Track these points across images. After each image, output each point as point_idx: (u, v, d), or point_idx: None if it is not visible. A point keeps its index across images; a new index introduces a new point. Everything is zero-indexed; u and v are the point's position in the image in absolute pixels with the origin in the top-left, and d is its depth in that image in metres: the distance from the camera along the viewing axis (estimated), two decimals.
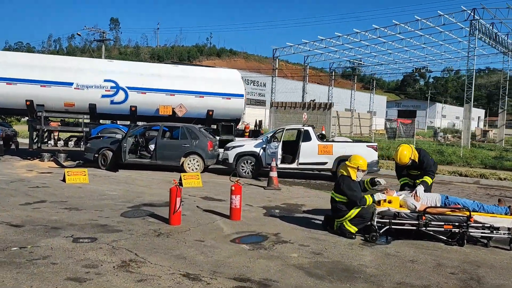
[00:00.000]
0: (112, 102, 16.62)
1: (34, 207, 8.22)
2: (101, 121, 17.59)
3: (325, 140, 14.57)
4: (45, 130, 16.15)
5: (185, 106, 17.09)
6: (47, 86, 15.98)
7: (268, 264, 5.49)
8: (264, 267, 5.37)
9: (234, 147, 14.37)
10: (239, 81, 18.34)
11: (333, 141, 14.56)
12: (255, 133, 18.35)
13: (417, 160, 7.65)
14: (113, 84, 16.50)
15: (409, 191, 7.31)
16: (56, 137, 16.64)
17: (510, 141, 45.05)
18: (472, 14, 35.22)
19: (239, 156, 14.17)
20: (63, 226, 6.91)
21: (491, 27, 38.32)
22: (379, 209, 6.77)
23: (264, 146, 14.04)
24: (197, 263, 5.40)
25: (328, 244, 6.52)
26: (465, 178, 16.16)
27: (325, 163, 13.86)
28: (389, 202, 6.88)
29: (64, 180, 11.48)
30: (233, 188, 7.82)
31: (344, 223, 6.91)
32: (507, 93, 47.67)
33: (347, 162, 7.32)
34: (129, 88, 16.63)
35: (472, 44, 36.01)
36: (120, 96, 16.58)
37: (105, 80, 16.48)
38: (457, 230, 6.62)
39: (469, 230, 6.57)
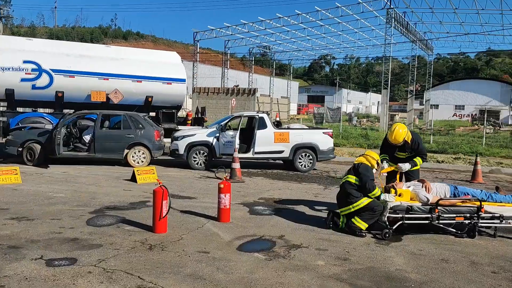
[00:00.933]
0: (34, 87, 14.45)
1: None
2: (20, 109, 15.28)
3: (281, 127, 13.93)
4: None
5: (121, 92, 15.44)
6: None
7: (301, 277, 4.70)
8: (300, 281, 4.58)
9: (184, 136, 13.19)
10: (180, 65, 17.03)
11: (289, 128, 13.98)
12: (197, 121, 17.22)
13: (409, 142, 7.31)
14: (35, 66, 14.33)
15: (418, 183, 6.91)
16: None
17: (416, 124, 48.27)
18: (389, 3, 36.74)
19: (191, 146, 13.04)
20: (23, 244, 5.47)
21: (403, 16, 40.45)
22: (391, 203, 6.28)
23: (218, 135, 13.06)
24: (223, 284, 4.44)
25: (344, 245, 5.89)
26: None
27: (281, 152, 13.26)
28: (399, 195, 6.42)
29: None
30: (221, 186, 6.85)
31: (353, 219, 6.32)
32: (415, 79, 50.95)
33: (366, 153, 6.75)
34: (54, 71, 14.56)
35: (389, 32, 37.68)
36: (44, 80, 14.47)
37: (24, 62, 14.25)
38: (467, 221, 6.36)
39: (480, 221, 6.34)
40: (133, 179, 10.52)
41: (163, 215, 6.13)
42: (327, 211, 7.18)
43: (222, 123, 13.22)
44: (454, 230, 6.44)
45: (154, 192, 6.14)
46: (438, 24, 44.07)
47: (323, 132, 13.72)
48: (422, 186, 6.66)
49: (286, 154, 13.27)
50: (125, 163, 13.03)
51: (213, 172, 12.46)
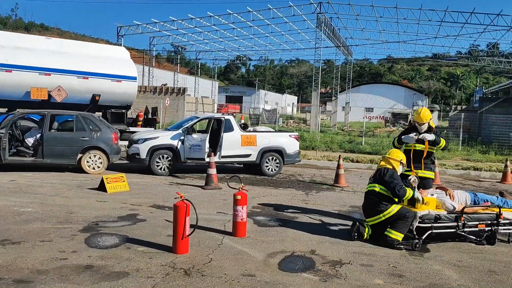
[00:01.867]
0: None
1: None
2: None
3: (247, 130, 13.46)
4: None
5: (64, 89, 13.92)
6: None
7: None
8: None
9: (145, 139, 12.18)
10: (130, 61, 15.84)
11: (255, 131, 13.55)
12: (148, 122, 16.13)
13: (433, 127, 7.32)
14: None
15: (441, 191, 6.87)
16: None
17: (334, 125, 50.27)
18: (318, 8, 37.81)
19: (154, 150, 12.09)
20: (31, 277, 4.48)
21: (330, 21, 41.90)
22: (420, 212, 6.17)
23: (183, 138, 12.26)
24: None
25: (383, 259, 5.63)
26: (358, 164, 17.03)
27: (249, 155, 12.81)
28: (425, 203, 6.34)
29: None
30: (238, 197, 6.27)
31: (387, 232, 6.10)
32: (334, 82, 53.07)
33: (387, 156, 6.53)
34: None
35: (318, 35, 38.77)
36: None
37: None
38: (487, 228, 6.47)
39: (499, 228, 6.48)
40: (102, 188, 9.43)
41: (186, 233, 5.42)
42: (352, 222, 6.89)
43: (187, 126, 12.42)
44: (475, 238, 6.52)
45: (176, 207, 5.41)
46: (360, 31, 46.36)
47: (289, 135, 13.50)
48: (446, 194, 6.65)
49: (253, 157, 12.85)
50: (76, 168, 11.76)
51: (177, 178, 11.70)
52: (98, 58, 14.82)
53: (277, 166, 13.03)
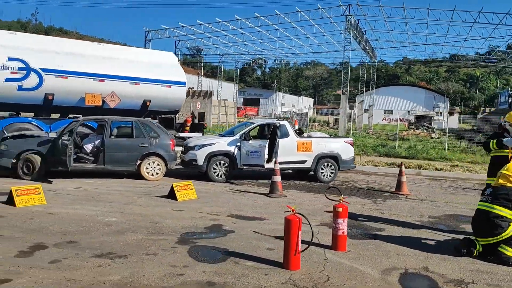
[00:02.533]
0: (20, 88, 12.59)
1: (54, 260, 5.19)
2: None
3: (302, 136, 13.28)
4: None
5: (117, 95, 13.94)
6: None
7: None
8: None
9: (202, 146, 12.10)
10: (178, 66, 15.84)
11: (310, 136, 13.37)
12: (196, 127, 16.06)
13: None
14: (22, 65, 12.49)
15: None
16: None
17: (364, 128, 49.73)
18: (347, 11, 37.49)
19: (211, 156, 12.00)
20: None
21: (357, 23, 41.52)
22: None
23: (239, 144, 12.14)
24: None
25: (507, 277, 5.38)
26: (407, 170, 16.68)
27: (304, 162, 12.63)
28: None
29: (10, 202, 7.96)
30: (339, 209, 6.08)
31: (502, 249, 5.84)
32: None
33: (506, 172, 6.19)
34: (44, 70, 12.80)
35: (347, 38, 38.46)
36: (32, 80, 12.67)
37: (10, 59, 12.37)
38: None
39: None
40: (171, 195, 9.34)
41: (300, 249, 5.26)
42: (462, 239, 6.60)
43: (243, 132, 12.29)
44: None
45: (288, 221, 5.25)
46: (387, 33, 45.84)
47: (344, 141, 13.28)
48: None
49: (308, 164, 12.67)
50: (132, 174, 11.76)
51: (235, 184, 11.59)
52: (148, 63, 14.83)
53: (332, 173, 12.82)
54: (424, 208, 9.60)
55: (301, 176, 13.34)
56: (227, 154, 12.10)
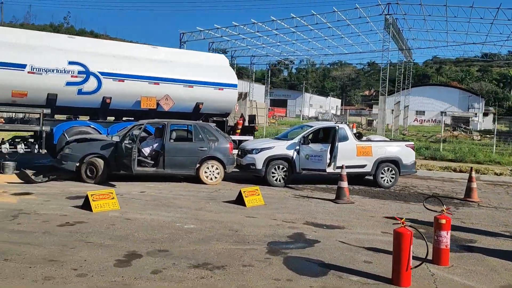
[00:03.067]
0: (80, 92, 12.67)
1: (155, 270, 5.06)
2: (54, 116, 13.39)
3: (362, 139, 12.92)
4: None
5: (171, 98, 13.90)
6: None
7: None
8: None
9: (261, 149, 11.90)
10: (229, 68, 15.73)
11: (369, 140, 13.01)
12: (247, 130, 15.89)
13: None
14: (82, 68, 12.56)
15: None
16: None
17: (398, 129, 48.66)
18: (386, 10, 36.77)
19: (269, 160, 11.79)
20: None
21: (396, 22, 40.66)
22: None
23: (298, 148, 11.89)
24: None
25: None
26: (463, 174, 16.06)
27: (364, 166, 12.27)
28: None
29: (86, 207, 7.93)
30: (442, 221, 5.73)
31: None
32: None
33: None
34: (102, 74, 12.85)
35: (386, 37, 37.73)
36: (91, 84, 12.72)
37: (70, 63, 12.45)
38: None
39: None
40: (239, 201, 9.16)
41: (411, 264, 4.96)
42: None
43: (303, 135, 12.02)
44: None
45: (399, 234, 4.95)
46: (425, 32, 44.76)
47: (405, 145, 12.86)
48: None
49: (368, 168, 12.30)
50: (188, 178, 11.68)
51: (294, 189, 11.35)
52: (201, 66, 14.75)
53: (392, 177, 12.43)
54: (504, 217, 9.12)
55: (356, 180, 12.97)
56: (286, 158, 11.87)
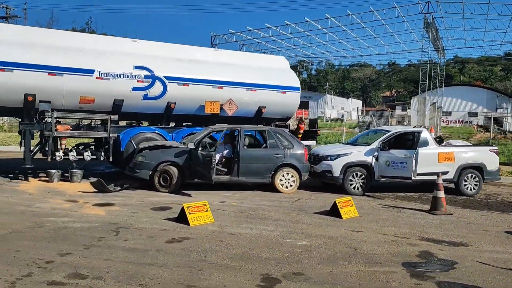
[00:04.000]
0: (145, 97, 12.25)
1: None
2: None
3: (443, 144, 12.19)
4: (53, 137, 11.11)
5: (235, 102, 13.40)
6: (58, 75, 11.08)
7: None
8: None
9: (338, 156, 11.29)
10: (291, 71, 15.17)
11: (450, 145, 12.28)
12: (309, 135, 15.26)
13: None
14: (147, 73, 12.15)
15: None
16: (63, 146, 11.67)
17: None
18: (426, 8, 35.83)
19: (347, 167, 11.17)
20: None
21: (434, 21, 39.60)
22: None
23: (376, 154, 11.24)
24: None
25: None
26: None
27: (446, 173, 11.49)
28: None
29: (181, 220, 7.44)
30: None
31: None
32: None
33: None
34: (167, 78, 12.41)
35: (426, 37, 36.80)
36: (157, 89, 12.29)
37: (136, 67, 12.05)
38: None
39: None
40: (334, 213, 8.56)
41: None
42: None
43: (381, 140, 11.36)
44: None
45: None
46: (462, 30, 43.57)
47: (489, 150, 12.10)
48: None
49: (450, 175, 11.56)
50: (257, 186, 11.15)
51: (374, 198, 10.72)
52: (262, 69, 14.21)
53: (476, 185, 11.68)
54: None
55: (427, 188, 12.20)
56: (364, 165, 11.25)
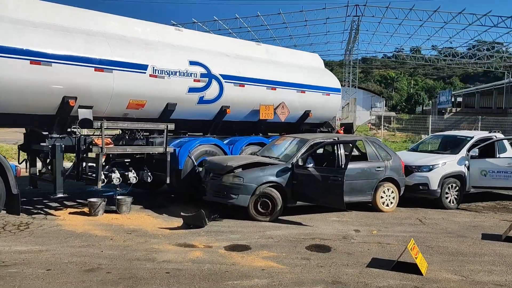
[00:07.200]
0: (200, 101, 9.75)
1: None
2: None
3: None
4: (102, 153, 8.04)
5: (287, 106, 11.51)
6: (107, 70, 8.10)
7: None
8: None
9: (432, 166, 10.14)
10: (327, 70, 13.60)
11: None
12: None
13: None
14: (204, 70, 9.68)
15: None
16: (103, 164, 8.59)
17: None
18: (355, 10, 36.83)
19: (444, 178, 10.10)
20: None
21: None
22: None
23: (467, 162, 10.38)
24: None
25: None
26: None
27: None
28: None
29: (408, 268, 5.55)
30: None
31: None
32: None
33: None
34: (224, 77, 10.07)
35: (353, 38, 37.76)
36: (213, 90, 9.88)
37: (191, 63, 9.50)
38: None
39: None
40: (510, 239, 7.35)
41: None
42: None
43: (472, 146, 10.48)
44: None
45: None
46: (373, 34, 45.83)
47: None
48: None
49: None
50: (365, 205, 9.57)
51: (471, 211, 9.90)
52: (305, 67, 12.47)
53: None
54: None
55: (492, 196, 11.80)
56: (458, 176, 10.30)
